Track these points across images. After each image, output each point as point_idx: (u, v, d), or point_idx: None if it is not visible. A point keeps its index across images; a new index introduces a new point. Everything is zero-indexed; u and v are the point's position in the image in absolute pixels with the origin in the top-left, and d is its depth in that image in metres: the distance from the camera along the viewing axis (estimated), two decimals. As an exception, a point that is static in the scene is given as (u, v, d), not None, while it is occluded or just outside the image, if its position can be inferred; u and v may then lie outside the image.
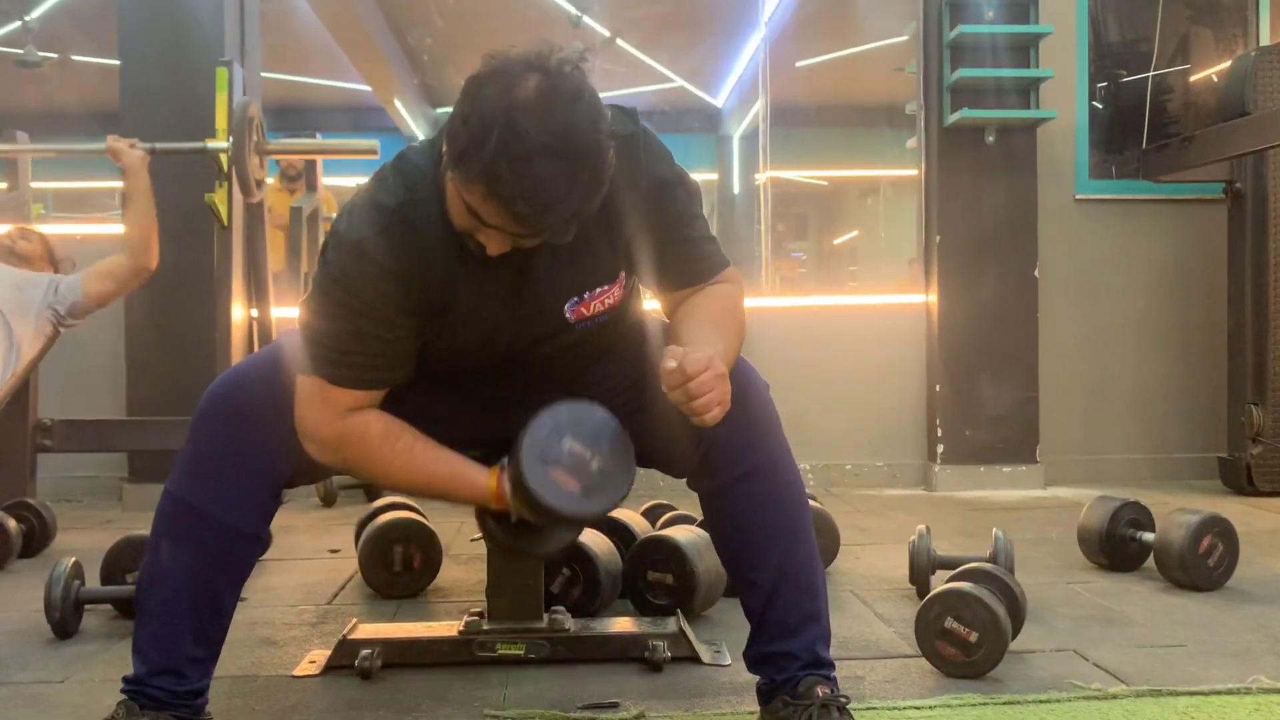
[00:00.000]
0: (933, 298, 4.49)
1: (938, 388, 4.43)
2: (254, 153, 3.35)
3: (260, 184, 3.47)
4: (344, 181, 6.30)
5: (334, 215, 5.57)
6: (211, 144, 3.34)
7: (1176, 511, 2.59)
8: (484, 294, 1.48)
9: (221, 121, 3.31)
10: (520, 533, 1.60)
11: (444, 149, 1.35)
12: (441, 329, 1.51)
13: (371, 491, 4.02)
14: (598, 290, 1.54)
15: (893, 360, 4.57)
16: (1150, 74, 4.87)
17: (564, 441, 1.48)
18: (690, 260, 1.58)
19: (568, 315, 1.54)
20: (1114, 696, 1.77)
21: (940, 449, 4.42)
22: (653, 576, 2.28)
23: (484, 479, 1.55)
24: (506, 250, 1.39)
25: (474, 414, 1.66)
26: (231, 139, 3.25)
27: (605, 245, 1.51)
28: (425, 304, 1.47)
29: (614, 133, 1.35)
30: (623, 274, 1.57)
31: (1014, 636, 1.96)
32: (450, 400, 1.63)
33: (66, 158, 3.72)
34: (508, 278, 1.47)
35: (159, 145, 3.35)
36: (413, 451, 1.54)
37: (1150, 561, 2.67)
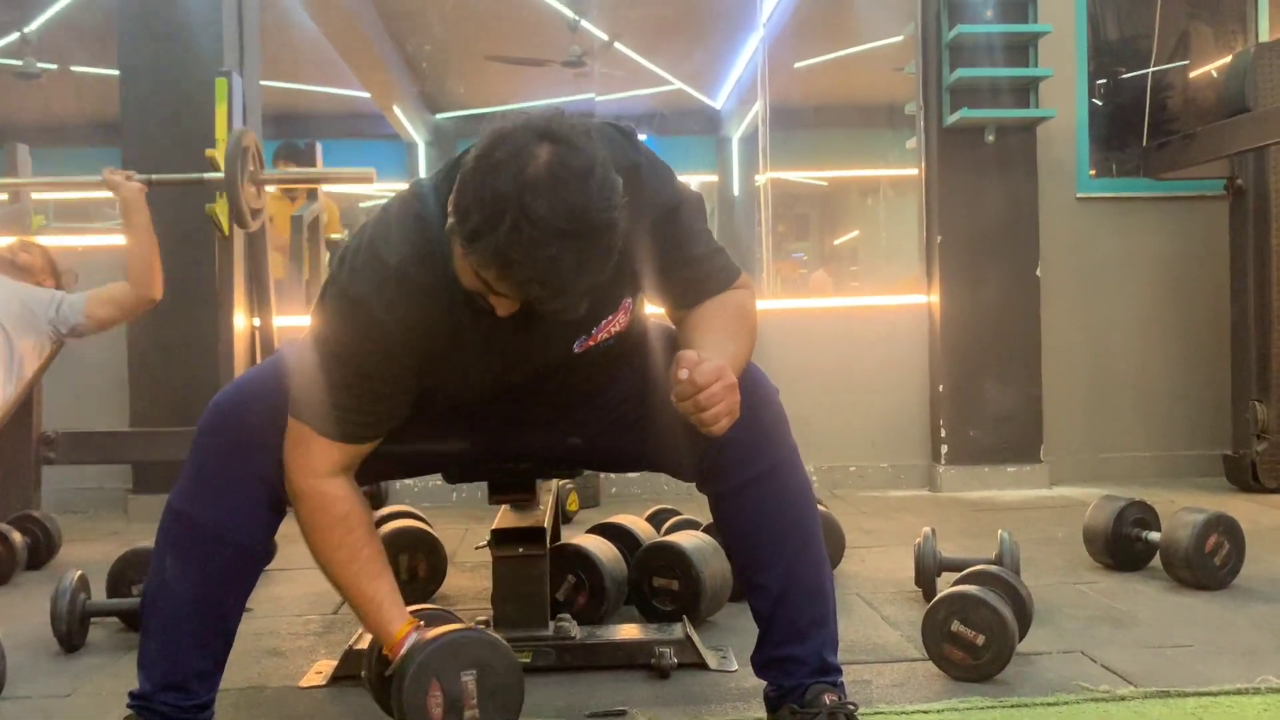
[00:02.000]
0: (934, 298, 4.48)
1: (941, 388, 4.43)
2: (250, 183, 3.35)
3: (257, 214, 3.47)
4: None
5: (332, 222, 5.59)
6: (209, 176, 3.34)
7: (1182, 510, 2.59)
8: (489, 341, 1.48)
9: (221, 132, 3.31)
10: (382, 688, 1.57)
11: (450, 215, 1.31)
12: (444, 374, 1.51)
13: (376, 500, 4.03)
14: (604, 321, 1.53)
15: (895, 361, 4.56)
16: (1150, 70, 4.87)
17: (461, 677, 1.45)
18: (700, 279, 1.57)
19: (575, 350, 1.53)
20: (1122, 698, 1.77)
21: (944, 449, 4.41)
22: (658, 582, 2.28)
23: (394, 627, 1.51)
24: (515, 310, 1.38)
25: (473, 424, 1.67)
26: (225, 169, 3.24)
27: (610, 279, 1.49)
28: (426, 354, 1.46)
29: (619, 168, 1.34)
30: (628, 300, 1.56)
31: (1021, 639, 1.96)
32: (449, 413, 1.63)
33: (62, 191, 3.72)
34: (513, 325, 1.44)
35: (155, 177, 3.35)
36: (354, 557, 1.52)
37: (1156, 561, 2.66)
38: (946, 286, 4.44)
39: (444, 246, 1.38)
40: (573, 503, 3.77)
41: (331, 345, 1.43)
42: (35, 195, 4.53)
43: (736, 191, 9.52)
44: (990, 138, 4.38)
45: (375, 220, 1.48)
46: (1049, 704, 1.75)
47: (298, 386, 1.48)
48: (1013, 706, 1.74)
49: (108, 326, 3.30)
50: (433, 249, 1.40)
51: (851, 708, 1.53)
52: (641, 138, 1.52)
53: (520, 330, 1.45)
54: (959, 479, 4.37)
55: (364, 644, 2.00)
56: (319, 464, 1.49)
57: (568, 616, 2.04)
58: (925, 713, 1.73)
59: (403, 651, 1.48)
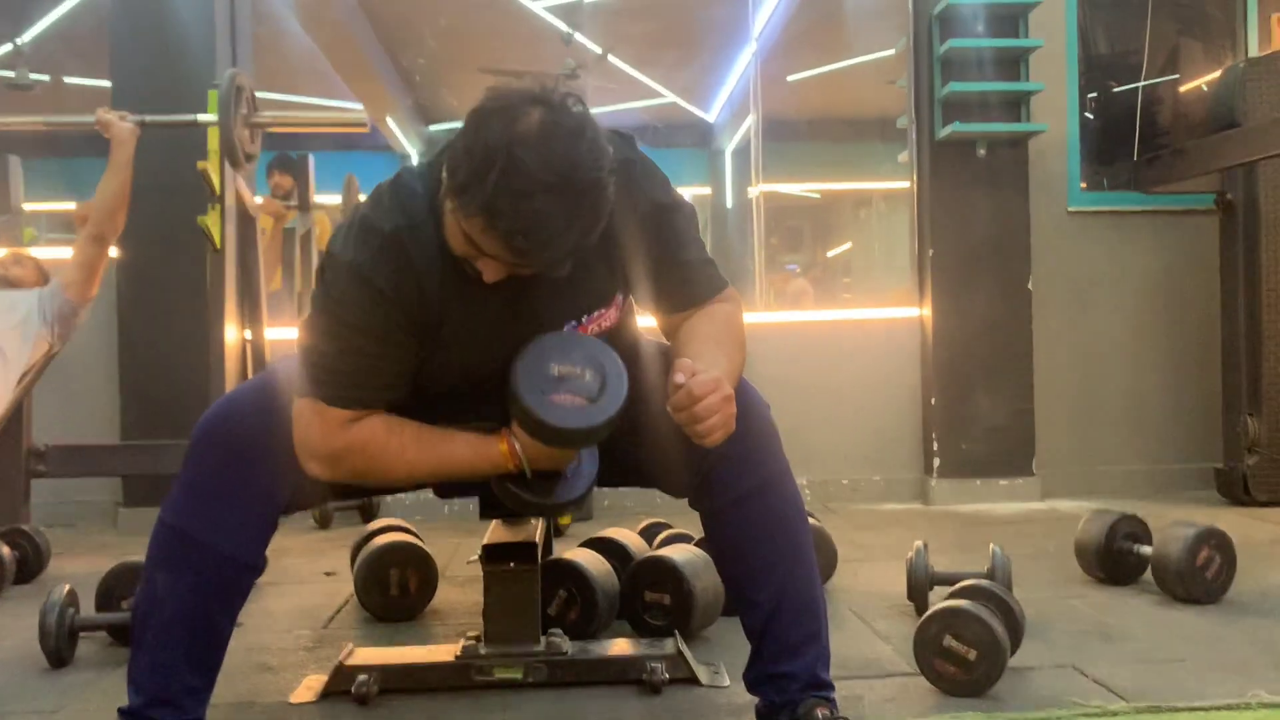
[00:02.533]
0: (926, 311, 4.49)
1: (933, 401, 4.43)
2: (243, 125, 3.34)
3: (251, 158, 3.44)
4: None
5: (324, 235, 5.59)
6: (203, 117, 3.33)
7: (1173, 524, 2.59)
8: (480, 314, 1.49)
9: (213, 144, 3.31)
10: (547, 486, 1.57)
11: (444, 176, 1.36)
12: (437, 346, 1.51)
13: (367, 513, 4.01)
14: (595, 313, 1.56)
15: (887, 374, 4.57)
16: (1140, 85, 4.89)
17: (552, 367, 1.47)
18: (688, 282, 1.59)
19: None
20: (1114, 714, 1.77)
21: (936, 463, 4.42)
22: (650, 597, 2.27)
23: (495, 443, 1.52)
24: (502, 278, 1.40)
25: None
26: (219, 111, 3.22)
27: (603, 269, 1.52)
28: (421, 323, 1.47)
29: (615, 160, 1.36)
30: (619, 296, 1.58)
31: (1013, 653, 1.96)
32: (447, 415, 1.62)
33: (57, 130, 3.74)
34: (504, 300, 1.48)
35: (149, 118, 3.36)
36: (420, 439, 1.53)
37: (1148, 575, 2.67)
38: (938, 299, 4.45)
39: (436, 218, 1.42)
40: (564, 517, 3.76)
41: (332, 310, 1.45)
42: (27, 206, 4.51)
43: (730, 204, 9.54)
44: (982, 151, 4.40)
45: (368, 198, 1.50)
46: (1041, 718, 1.74)
47: (305, 365, 1.50)
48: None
49: (88, 290, 3.29)
50: (424, 220, 1.43)
51: None
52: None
53: (510, 306, 1.48)
54: (951, 492, 4.37)
55: (354, 660, 1.99)
56: (334, 426, 1.49)
57: (559, 631, 2.03)
58: (919, 727, 1.72)
59: (516, 438, 1.49)
